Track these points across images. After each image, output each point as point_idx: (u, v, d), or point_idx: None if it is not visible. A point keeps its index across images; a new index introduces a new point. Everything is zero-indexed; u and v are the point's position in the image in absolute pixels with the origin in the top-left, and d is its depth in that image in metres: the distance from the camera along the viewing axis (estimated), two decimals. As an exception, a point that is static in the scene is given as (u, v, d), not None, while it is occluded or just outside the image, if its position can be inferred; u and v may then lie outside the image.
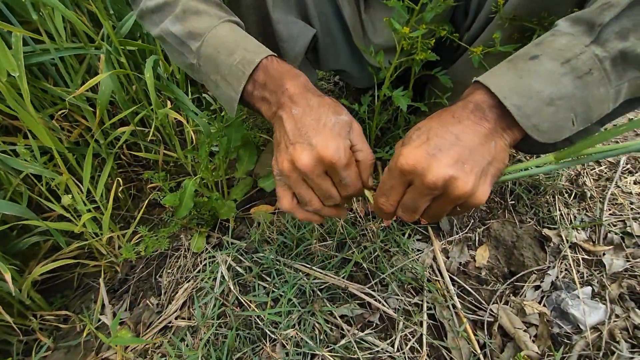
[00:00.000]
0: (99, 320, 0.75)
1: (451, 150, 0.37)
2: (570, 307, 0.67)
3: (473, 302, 0.71)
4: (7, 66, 0.56)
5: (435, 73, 0.73)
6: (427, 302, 0.69)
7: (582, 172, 0.91)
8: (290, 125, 0.44)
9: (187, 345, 0.61)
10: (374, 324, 0.64)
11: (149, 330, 0.70)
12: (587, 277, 0.73)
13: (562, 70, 0.36)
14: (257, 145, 0.99)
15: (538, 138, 0.38)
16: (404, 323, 0.64)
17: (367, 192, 0.49)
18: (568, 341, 0.65)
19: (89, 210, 0.76)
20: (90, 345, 0.73)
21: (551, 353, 0.62)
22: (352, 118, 0.47)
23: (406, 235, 0.80)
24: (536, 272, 0.74)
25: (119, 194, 0.95)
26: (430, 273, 0.75)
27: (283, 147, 0.44)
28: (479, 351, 0.63)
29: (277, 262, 0.68)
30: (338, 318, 0.62)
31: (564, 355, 0.62)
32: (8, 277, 0.59)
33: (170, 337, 0.65)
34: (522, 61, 0.39)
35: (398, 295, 0.69)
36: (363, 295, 0.65)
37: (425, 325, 0.65)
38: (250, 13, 0.63)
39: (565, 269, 0.74)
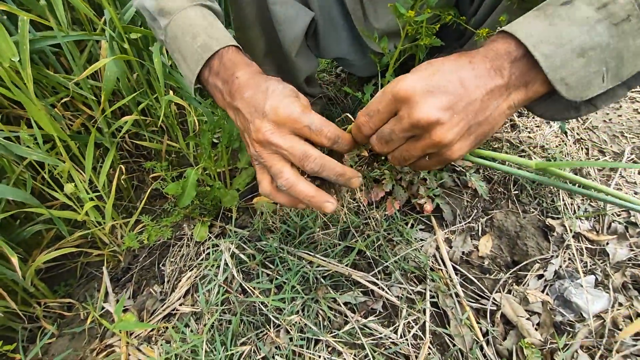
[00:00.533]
0: (103, 308, 0.76)
1: (450, 95, 0.35)
2: (573, 296, 0.67)
3: (476, 290, 0.71)
4: (8, 52, 0.55)
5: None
6: (430, 291, 0.69)
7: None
8: (245, 107, 0.44)
9: (191, 331, 0.61)
10: (377, 312, 0.65)
11: (152, 317, 0.70)
12: (590, 266, 0.73)
13: (597, 17, 0.33)
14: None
15: (565, 94, 0.35)
16: (407, 310, 0.64)
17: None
18: (571, 329, 0.65)
19: (91, 199, 0.76)
20: (94, 332, 0.73)
21: (554, 341, 0.62)
22: (298, 92, 0.46)
23: (409, 224, 0.80)
24: (539, 261, 0.74)
25: (122, 183, 0.95)
26: (433, 262, 0.75)
27: (247, 129, 0.44)
28: (481, 338, 0.63)
29: (281, 250, 0.68)
30: (342, 305, 0.62)
31: (567, 342, 0.62)
32: (15, 260, 0.59)
33: (175, 323, 0.65)
34: (552, 7, 0.36)
35: (401, 283, 0.69)
36: (366, 283, 0.65)
37: (428, 312, 0.65)
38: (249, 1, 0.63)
39: (569, 258, 0.74)
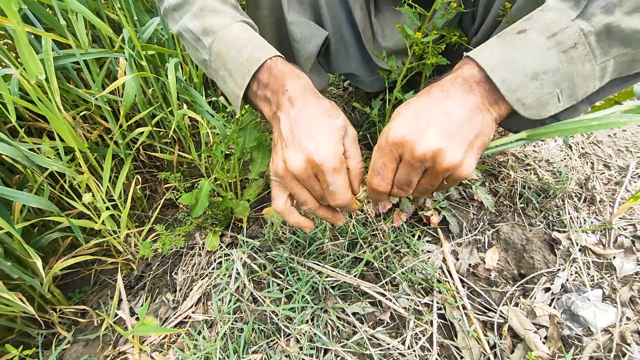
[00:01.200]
0: (116, 315, 0.78)
1: (440, 124, 0.37)
2: (580, 310, 0.68)
3: (483, 303, 0.72)
4: (35, 70, 0.59)
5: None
6: (437, 303, 0.70)
7: (591, 176, 0.92)
8: (286, 126, 0.44)
9: (204, 338, 0.62)
10: (385, 322, 0.66)
11: (165, 324, 0.72)
12: (597, 280, 0.73)
13: (547, 44, 0.37)
14: (269, 148, 1.01)
15: (523, 113, 0.38)
16: (414, 322, 0.65)
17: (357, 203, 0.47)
18: (579, 343, 0.65)
19: (107, 208, 0.79)
20: (107, 339, 0.75)
21: (562, 354, 0.63)
22: (348, 122, 0.47)
23: (416, 236, 0.81)
24: (546, 274, 0.75)
25: (137, 193, 0.98)
26: (440, 274, 0.76)
27: (279, 148, 0.45)
28: (489, 351, 0.64)
29: (291, 260, 0.69)
30: (350, 315, 0.64)
31: (575, 356, 0.62)
32: (39, 263, 0.61)
33: (188, 330, 0.67)
34: (510, 35, 0.39)
35: (409, 295, 0.70)
36: (374, 294, 0.66)
37: (435, 324, 0.66)
38: (267, 15, 0.66)
39: (576, 272, 0.74)
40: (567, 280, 0.73)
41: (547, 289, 0.73)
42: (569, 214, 0.83)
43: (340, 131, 0.45)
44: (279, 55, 0.49)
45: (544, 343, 0.66)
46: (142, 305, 0.79)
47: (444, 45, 0.67)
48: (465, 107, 0.38)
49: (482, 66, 0.38)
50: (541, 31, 0.38)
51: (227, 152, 0.82)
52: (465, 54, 0.42)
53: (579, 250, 0.77)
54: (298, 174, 0.43)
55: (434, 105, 0.39)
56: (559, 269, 0.75)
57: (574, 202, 0.86)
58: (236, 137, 0.75)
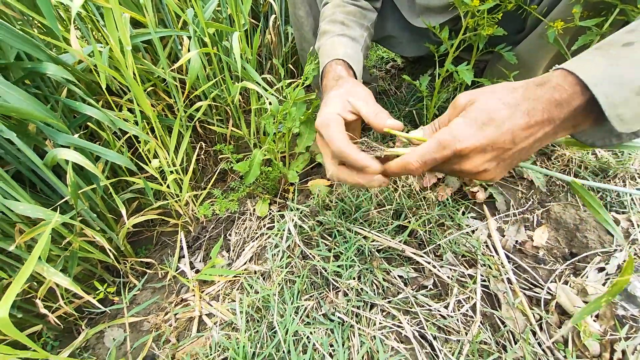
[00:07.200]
0: (178, 268, 0.87)
1: (500, 149, 0.39)
2: (638, 290, 0.65)
3: (529, 279, 0.71)
4: (124, 42, 0.67)
5: (499, 50, 0.74)
6: (481, 275, 0.71)
7: (658, 157, 0.86)
8: (321, 105, 0.56)
9: (260, 287, 0.68)
10: (429, 288, 0.67)
11: (221, 278, 0.79)
12: (659, 262, 0.69)
13: None
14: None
15: (618, 127, 0.37)
16: (458, 289, 0.66)
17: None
18: (634, 324, 0.63)
19: (171, 172, 0.88)
20: (171, 288, 0.84)
21: (615, 333, 0.61)
22: (352, 89, 0.55)
23: (460, 211, 0.81)
24: (601, 254, 0.72)
25: (192, 165, 1.07)
26: (484, 249, 0.76)
27: None
28: (534, 323, 0.63)
29: (339, 224, 0.73)
30: (396, 277, 0.66)
31: (628, 335, 0.60)
32: (124, 211, 0.71)
33: (246, 277, 0.73)
34: (614, 48, 0.38)
35: (452, 265, 0.71)
36: (418, 259, 0.68)
37: (479, 293, 0.67)
38: None
39: (635, 253, 0.71)
40: (625, 261, 0.70)
41: (602, 269, 0.70)
42: (630, 195, 0.79)
43: (337, 99, 0.53)
44: (333, 59, 0.66)
45: (594, 321, 0.64)
46: (199, 261, 0.87)
47: (501, 14, 0.65)
48: (534, 137, 0.39)
49: (584, 79, 0.36)
50: None
51: (277, 126, 0.87)
52: (556, 66, 0.40)
53: (640, 231, 0.73)
54: (317, 139, 0.53)
55: (508, 121, 0.38)
56: (615, 249, 0.71)
57: (636, 182, 0.81)
58: (289, 107, 0.80)
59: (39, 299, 0.65)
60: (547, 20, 0.65)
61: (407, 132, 0.47)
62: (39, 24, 0.88)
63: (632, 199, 0.78)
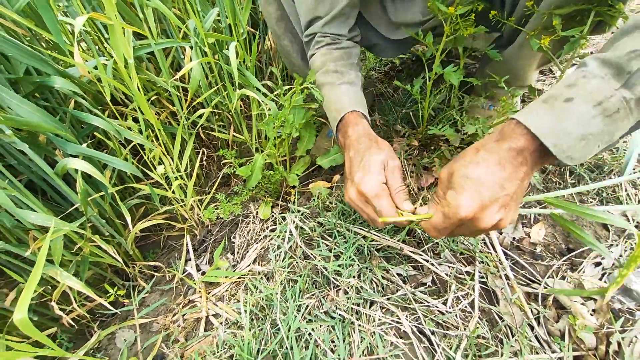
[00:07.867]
0: (185, 271, 0.89)
1: (500, 200, 0.46)
2: (634, 284, 0.66)
3: (527, 275, 0.73)
4: (127, 55, 0.70)
5: (487, 50, 0.76)
6: (479, 272, 0.72)
7: (654, 152, 0.86)
8: (347, 163, 0.62)
9: (264, 287, 0.71)
10: (427, 285, 0.69)
11: (226, 280, 0.82)
12: (655, 256, 0.70)
13: (593, 112, 0.42)
14: (315, 127, 1.07)
15: (569, 163, 0.45)
16: (456, 285, 0.68)
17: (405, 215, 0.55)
18: (630, 317, 0.64)
19: (176, 178, 0.91)
20: (179, 291, 0.87)
21: (611, 326, 0.62)
22: (390, 155, 0.59)
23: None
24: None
25: (196, 170, 1.10)
26: (482, 246, 0.77)
27: (345, 177, 0.62)
28: (531, 317, 0.65)
29: (338, 225, 0.75)
30: (395, 275, 0.68)
31: (624, 327, 0.62)
32: (129, 218, 0.74)
33: (250, 278, 0.76)
34: (558, 102, 0.44)
35: (450, 262, 0.73)
36: (417, 257, 0.70)
37: (477, 289, 0.69)
38: None
39: (630, 248, 0.72)
40: (621, 255, 0.71)
41: (598, 264, 0.72)
42: (626, 190, 0.80)
43: (381, 165, 0.58)
44: (350, 111, 0.70)
45: (591, 315, 0.65)
46: (205, 264, 0.90)
47: (473, 16, 0.67)
48: (517, 179, 0.46)
49: (536, 133, 0.43)
50: (587, 99, 0.43)
51: (277, 130, 0.90)
52: (511, 116, 0.47)
53: (635, 226, 0.74)
54: (353, 202, 0.58)
55: (494, 182, 0.46)
56: (611, 244, 0.73)
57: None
58: (287, 114, 0.82)
59: (54, 302, 0.68)
60: (526, 30, 0.67)
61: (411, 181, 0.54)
62: (46, 39, 0.91)
63: (628, 195, 0.79)
